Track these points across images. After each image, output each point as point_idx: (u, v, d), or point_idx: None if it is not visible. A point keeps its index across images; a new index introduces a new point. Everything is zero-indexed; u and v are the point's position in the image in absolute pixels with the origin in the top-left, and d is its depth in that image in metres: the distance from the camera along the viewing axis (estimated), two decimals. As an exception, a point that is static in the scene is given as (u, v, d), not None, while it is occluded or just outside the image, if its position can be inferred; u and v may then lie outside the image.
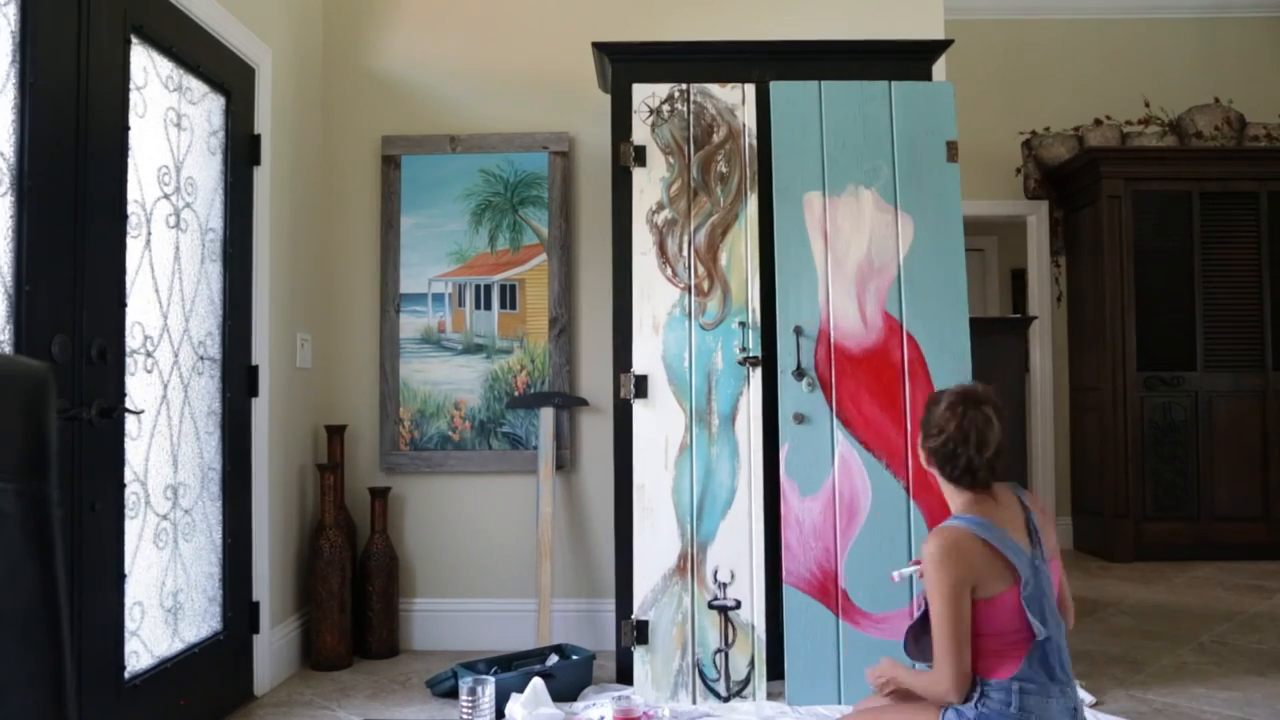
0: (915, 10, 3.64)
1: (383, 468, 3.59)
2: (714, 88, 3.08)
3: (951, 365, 2.91)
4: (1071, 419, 5.63)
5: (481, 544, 3.58)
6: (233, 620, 2.85)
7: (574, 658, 3.05)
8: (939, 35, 3.59)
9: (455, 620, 3.55)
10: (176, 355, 2.58)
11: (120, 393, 2.26)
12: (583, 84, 3.62)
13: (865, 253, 2.96)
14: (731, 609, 2.90)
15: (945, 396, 2.09)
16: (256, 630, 2.99)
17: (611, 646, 3.32)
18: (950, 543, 1.94)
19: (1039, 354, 5.68)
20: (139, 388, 2.38)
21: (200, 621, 2.70)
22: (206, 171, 2.77)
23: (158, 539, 2.47)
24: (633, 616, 2.91)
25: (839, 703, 2.80)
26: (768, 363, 2.99)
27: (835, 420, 2.91)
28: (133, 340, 2.35)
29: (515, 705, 2.69)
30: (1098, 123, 5.56)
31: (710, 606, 2.90)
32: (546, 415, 3.48)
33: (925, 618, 2.07)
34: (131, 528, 2.33)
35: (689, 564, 2.92)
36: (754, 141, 3.06)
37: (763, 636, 2.88)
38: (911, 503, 2.88)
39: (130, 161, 2.34)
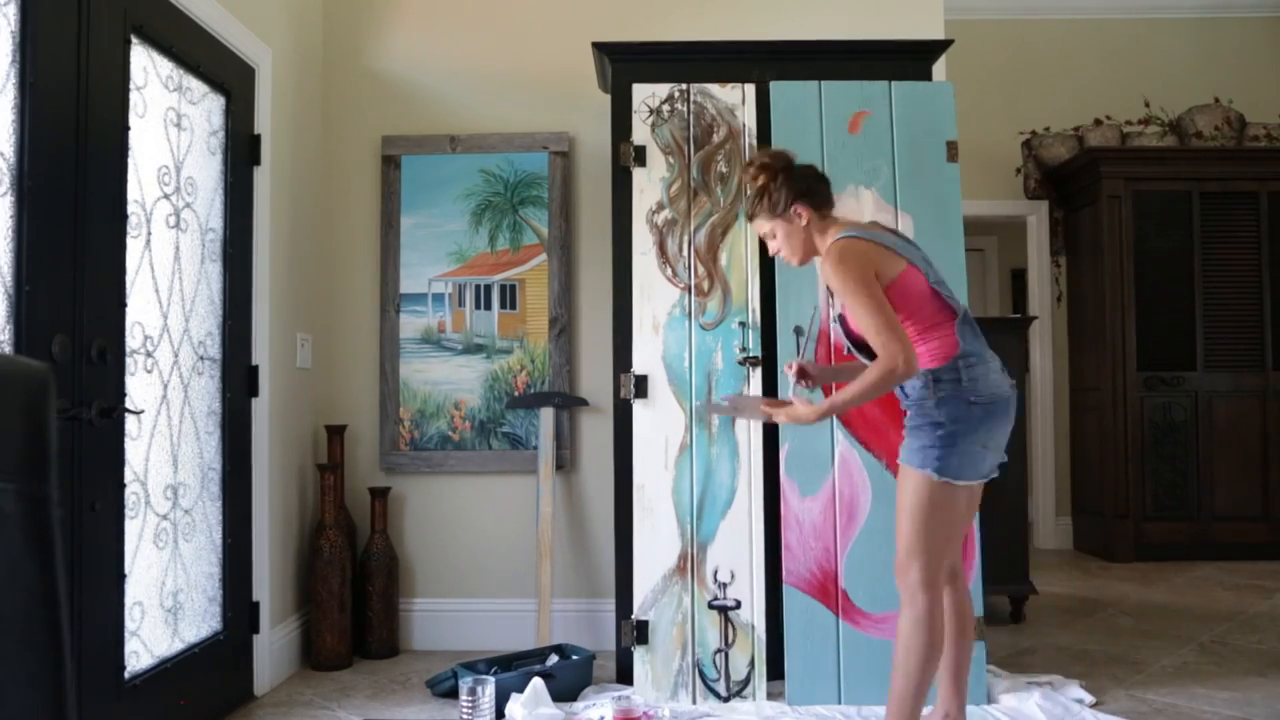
0: (915, 10, 3.64)
1: (383, 468, 3.59)
2: (714, 88, 3.08)
3: (951, 365, 2.91)
4: (1071, 419, 5.63)
5: (481, 544, 3.58)
6: (233, 620, 2.85)
7: (574, 658, 3.05)
8: (939, 35, 3.59)
9: (455, 620, 3.55)
10: (176, 355, 2.58)
11: (120, 393, 2.26)
12: (583, 84, 3.62)
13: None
14: (731, 609, 2.90)
15: (755, 164, 2.36)
16: (256, 630, 2.99)
17: (611, 646, 3.31)
18: (841, 247, 2.18)
19: (1039, 354, 5.68)
20: (139, 388, 2.38)
21: (200, 621, 2.70)
22: (206, 171, 2.77)
23: (158, 539, 2.47)
24: (633, 616, 2.91)
25: (839, 703, 2.80)
26: (768, 363, 2.99)
27: (835, 420, 2.91)
28: (133, 340, 2.35)
29: (515, 705, 2.69)
30: (1098, 123, 5.56)
31: (710, 606, 2.90)
32: (546, 415, 3.48)
33: (859, 345, 2.32)
34: (131, 528, 2.33)
35: (689, 564, 2.92)
36: (754, 142, 3.05)
37: (763, 636, 2.88)
38: (911, 503, 2.88)
39: (130, 161, 2.34)
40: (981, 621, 2.82)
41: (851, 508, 2.88)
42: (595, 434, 3.58)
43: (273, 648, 3.08)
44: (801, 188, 2.31)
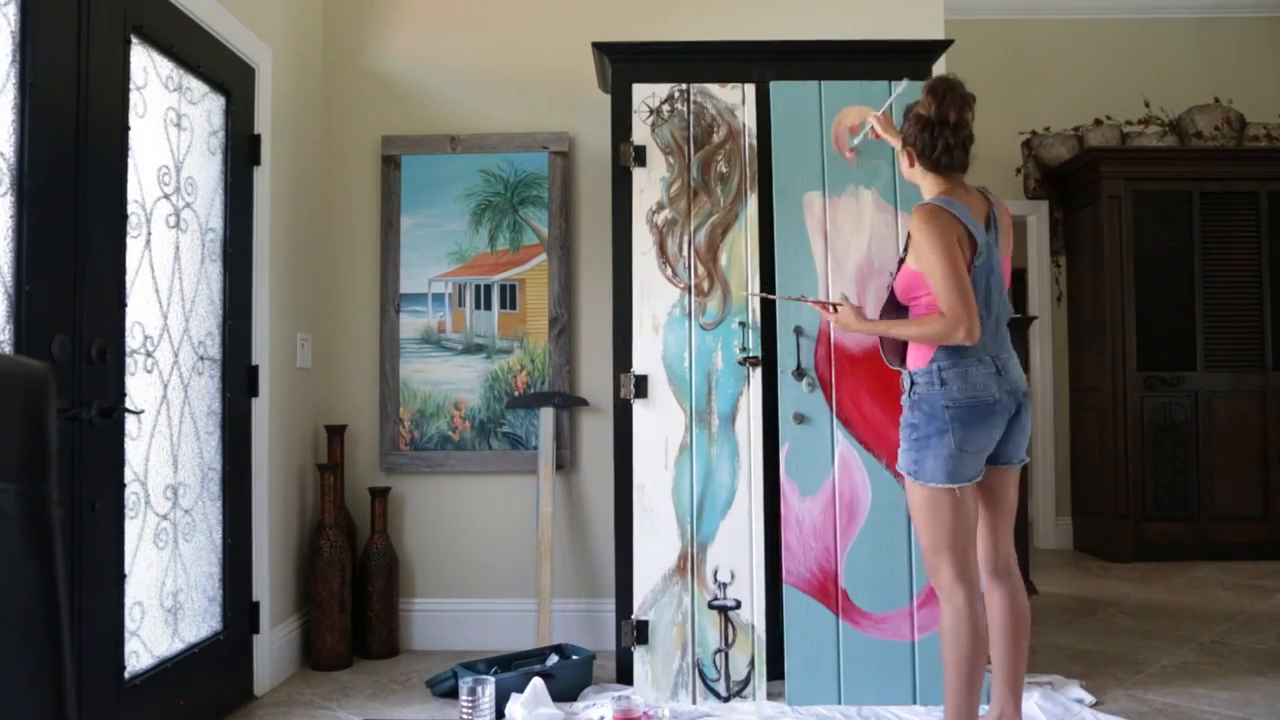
0: (915, 10, 3.64)
1: (383, 468, 3.59)
2: (714, 88, 3.08)
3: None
4: (1071, 419, 5.63)
5: (481, 544, 3.58)
6: (233, 620, 2.85)
7: (574, 658, 3.05)
8: (939, 35, 3.59)
9: (455, 620, 3.55)
10: (176, 355, 2.58)
11: (120, 393, 2.26)
12: (583, 84, 3.62)
13: (865, 253, 2.96)
14: (731, 609, 2.90)
15: (924, 90, 2.34)
16: (256, 630, 2.99)
17: (611, 646, 3.32)
18: (933, 209, 2.24)
19: (1039, 354, 5.68)
20: (139, 388, 2.38)
21: (200, 621, 2.70)
22: (206, 171, 2.77)
23: (158, 539, 2.47)
24: (633, 616, 2.91)
25: (839, 703, 2.80)
26: (768, 363, 2.99)
27: (835, 420, 2.91)
28: (133, 340, 2.35)
29: (515, 705, 2.69)
30: (1098, 123, 5.56)
31: (710, 606, 2.90)
32: (546, 415, 3.48)
33: (894, 305, 2.42)
34: (131, 528, 2.33)
35: (689, 564, 2.92)
36: (754, 141, 3.05)
37: (763, 636, 2.88)
38: (911, 503, 2.88)
39: (130, 161, 2.34)
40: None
41: (852, 508, 2.88)
42: (595, 434, 3.58)
43: (273, 648, 3.08)
44: (913, 139, 2.35)
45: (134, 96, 2.36)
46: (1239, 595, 4.25)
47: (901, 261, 2.40)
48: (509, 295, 3.61)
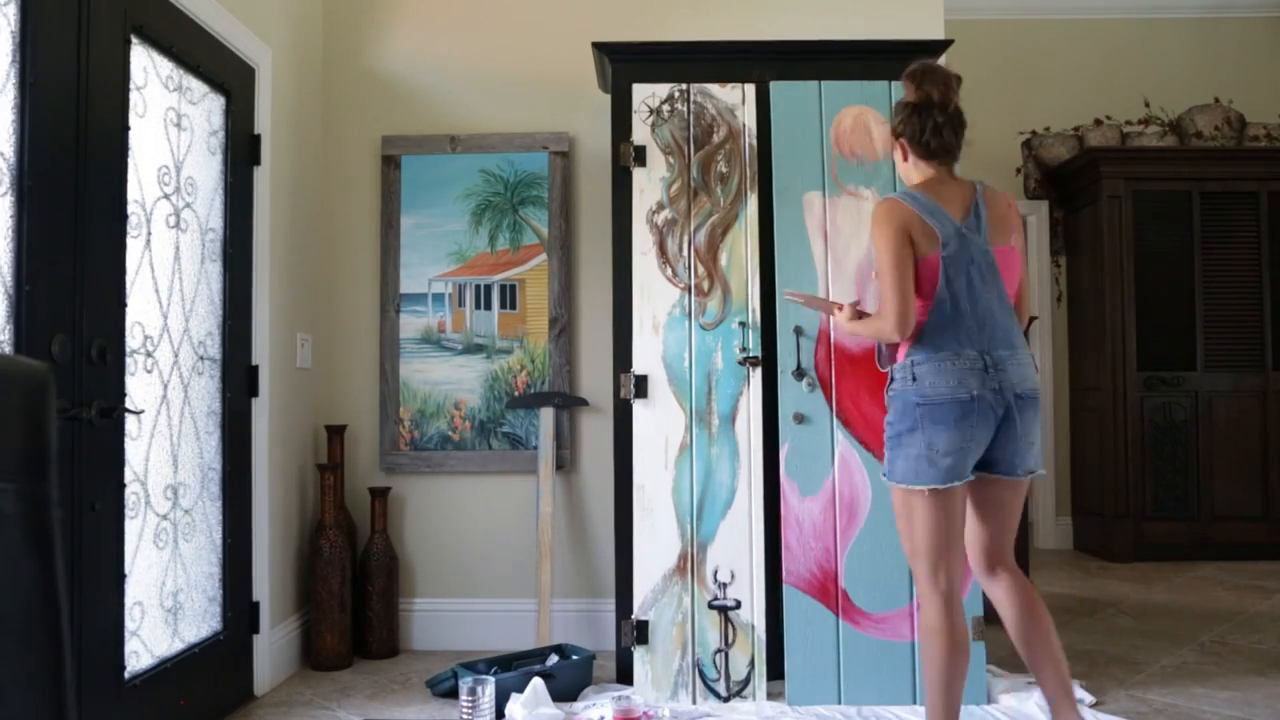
0: (915, 10, 3.64)
1: (383, 468, 3.59)
2: (714, 88, 3.08)
3: (951, 365, 2.91)
4: (1071, 419, 5.63)
5: (481, 544, 3.58)
6: (233, 620, 2.85)
7: (574, 658, 3.05)
8: (939, 35, 3.59)
9: (455, 620, 3.55)
10: (176, 355, 2.58)
11: (120, 393, 2.26)
12: (583, 84, 3.62)
13: (865, 253, 2.95)
14: (731, 609, 2.90)
15: (904, 78, 2.34)
16: (256, 630, 2.99)
17: (611, 646, 3.32)
18: (888, 204, 2.22)
19: (1039, 354, 5.68)
20: (139, 388, 2.38)
21: (200, 621, 2.70)
22: (206, 171, 2.77)
23: (158, 539, 2.47)
24: (633, 616, 2.91)
25: (839, 703, 2.80)
26: (768, 363, 2.99)
27: (835, 420, 2.91)
28: (133, 340, 2.35)
29: (515, 705, 2.69)
30: (1098, 123, 5.56)
31: (710, 606, 2.90)
32: (546, 415, 3.48)
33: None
34: (131, 528, 2.33)
35: (689, 564, 2.92)
36: (754, 141, 3.06)
37: (763, 636, 2.88)
38: (911, 503, 2.88)
39: (130, 161, 2.34)
40: (981, 621, 2.82)
41: (851, 508, 2.88)
42: (595, 434, 3.58)
43: (273, 648, 3.08)
44: (903, 128, 2.33)
45: (134, 96, 2.36)
46: (1239, 595, 4.25)
47: None
48: (509, 295, 3.61)
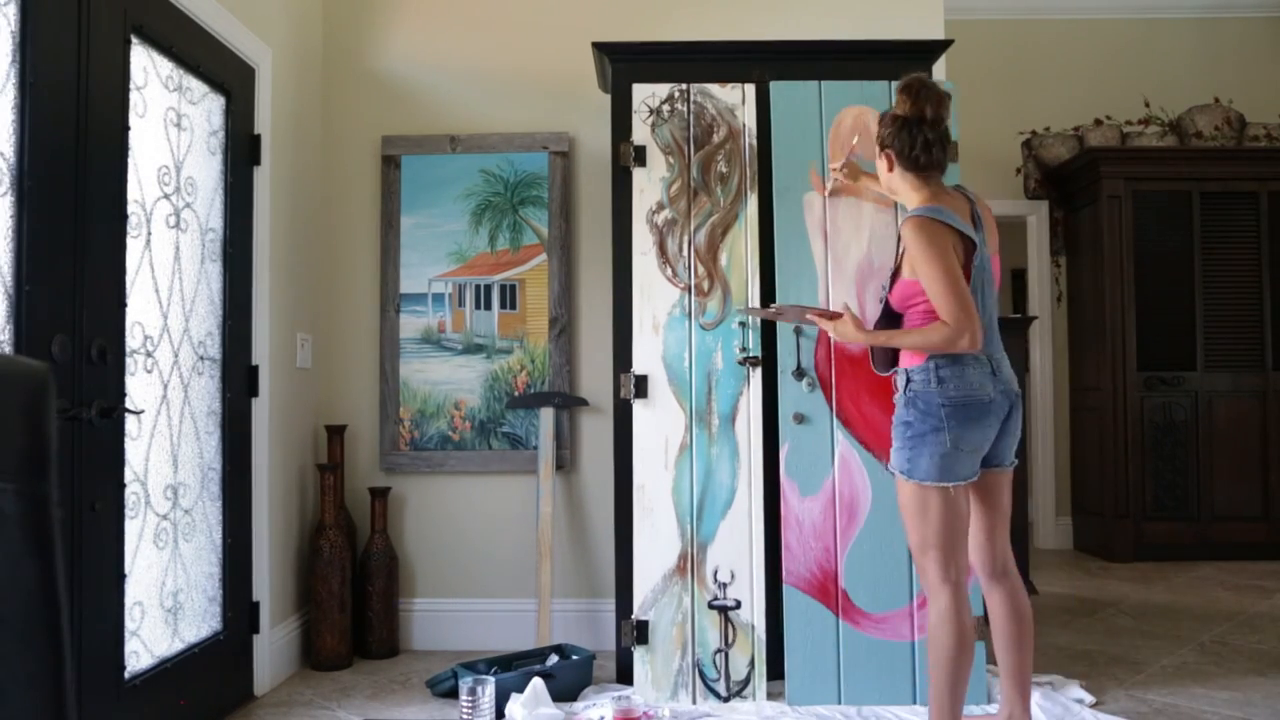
0: (915, 10, 3.64)
1: (383, 468, 3.59)
2: (714, 88, 3.08)
3: (951, 365, 2.91)
4: (1071, 419, 5.63)
5: (481, 544, 3.58)
6: (233, 620, 2.85)
7: (574, 658, 3.05)
8: (939, 35, 3.59)
9: (455, 620, 3.55)
10: (176, 355, 2.58)
11: (120, 393, 2.26)
12: (583, 84, 3.62)
13: (865, 253, 2.96)
14: (731, 609, 2.90)
15: (898, 91, 2.37)
16: (256, 630, 2.99)
17: (611, 646, 3.32)
18: (922, 220, 2.23)
19: (1039, 354, 5.68)
20: (139, 388, 2.38)
21: (200, 621, 2.70)
22: (206, 171, 2.77)
23: (158, 539, 2.47)
24: (633, 616, 2.91)
25: (839, 703, 2.80)
26: (768, 363, 2.99)
27: (835, 420, 2.91)
28: (133, 340, 2.35)
29: (515, 705, 2.69)
30: (1098, 123, 5.56)
31: (710, 606, 2.90)
32: (546, 415, 3.48)
33: (889, 315, 2.41)
34: (131, 528, 2.33)
35: (689, 564, 2.92)
36: (754, 141, 3.05)
37: (763, 636, 2.88)
38: (911, 503, 2.88)
39: (130, 161, 2.34)
40: (981, 621, 2.82)
41: (851, 508, 2.88)
42: (595, 434, 3.58)
43: (273, 648, 3.08)
44: (891, 140, 2.37)
45: (134, 96, 2.36)
46: (1239, 595, 4.25)
47: (896, 272, 2.39)
48: (509, 295, 3.61)
